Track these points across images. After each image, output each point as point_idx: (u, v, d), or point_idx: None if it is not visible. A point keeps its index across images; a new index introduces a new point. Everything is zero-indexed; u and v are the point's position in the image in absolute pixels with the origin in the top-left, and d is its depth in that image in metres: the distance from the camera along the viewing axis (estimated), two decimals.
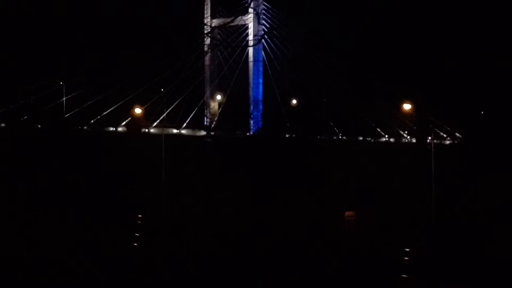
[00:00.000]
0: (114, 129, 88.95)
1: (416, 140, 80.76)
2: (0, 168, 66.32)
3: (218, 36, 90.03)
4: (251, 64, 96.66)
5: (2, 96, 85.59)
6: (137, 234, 49.86)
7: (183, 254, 43.83)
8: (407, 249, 43.86)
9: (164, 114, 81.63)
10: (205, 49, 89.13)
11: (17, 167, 67.63)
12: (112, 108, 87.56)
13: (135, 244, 47.53)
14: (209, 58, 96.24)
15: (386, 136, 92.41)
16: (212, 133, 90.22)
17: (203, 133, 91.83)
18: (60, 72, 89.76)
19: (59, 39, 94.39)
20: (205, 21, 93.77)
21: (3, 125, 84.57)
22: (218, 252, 44.34)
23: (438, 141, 76.05)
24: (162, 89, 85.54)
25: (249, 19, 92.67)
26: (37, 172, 67.14)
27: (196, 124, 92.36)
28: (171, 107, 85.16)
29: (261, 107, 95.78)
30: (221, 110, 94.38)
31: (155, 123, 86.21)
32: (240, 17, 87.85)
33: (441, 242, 47.62)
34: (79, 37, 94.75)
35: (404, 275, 39.67)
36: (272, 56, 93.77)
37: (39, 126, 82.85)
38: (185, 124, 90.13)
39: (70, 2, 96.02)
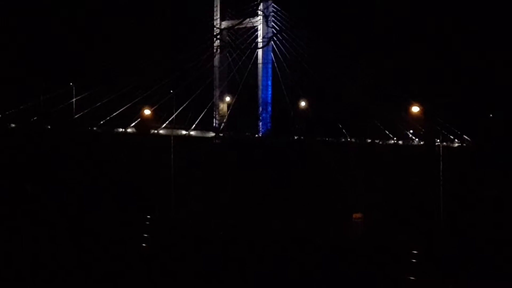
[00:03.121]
0: (123, 130, 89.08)
1: (425, 143, 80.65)
2: (10, 169, 66.55)
3: (227, 38, 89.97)
4: (260, 66, 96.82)
5: (12, 97, 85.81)
6: (145, 235, 50.01)
7: (190, 255, 43.97)
8: (415, 251, 43.88)
9: (173, 116, 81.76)
10: (215, 50, 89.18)
11: (26, 168, 67.83)
12: (122, 109, 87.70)
13: (144, 244, 47.67)
14: (218, 60, 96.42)
15: (395, 138, 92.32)
16: (221, 134, 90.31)
17: (212, 134, 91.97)
18: (70, 73, 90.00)
19: (68, 39, 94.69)
20: (215, 23, 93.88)
21: (13, 125, 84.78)
22: (224, 254, 44.46)
23: (446, 144, 75.95)
24: (171, 91, 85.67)
25: (258, 21, 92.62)
26: (47, 173, 67.32)
27: (205, 125, 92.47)
28: (180, 109, 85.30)
29: (269, 108, 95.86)
30: (230, 112, 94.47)
31: (164, 124, 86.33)
32: (249, 19, 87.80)
33: (449, 244, 47.62)
34: (88, 38, 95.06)
35: (411, 277, 39.71)
36: (281, 58, 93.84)
37: (49, 127, 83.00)
38: (194, 126, 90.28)
39: (79, 1, 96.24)
